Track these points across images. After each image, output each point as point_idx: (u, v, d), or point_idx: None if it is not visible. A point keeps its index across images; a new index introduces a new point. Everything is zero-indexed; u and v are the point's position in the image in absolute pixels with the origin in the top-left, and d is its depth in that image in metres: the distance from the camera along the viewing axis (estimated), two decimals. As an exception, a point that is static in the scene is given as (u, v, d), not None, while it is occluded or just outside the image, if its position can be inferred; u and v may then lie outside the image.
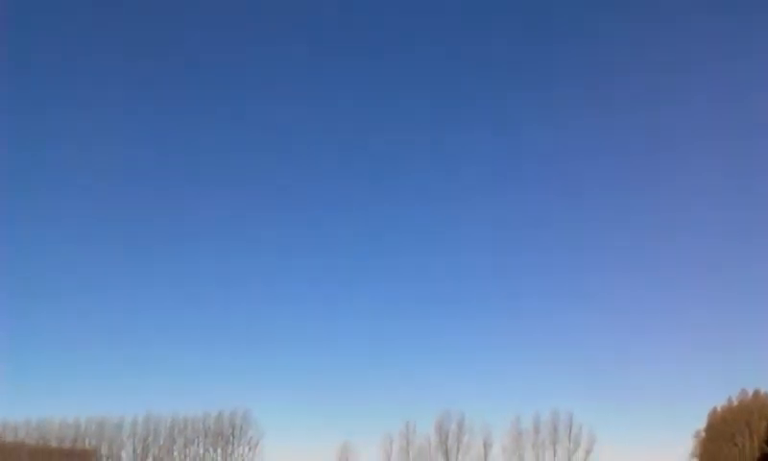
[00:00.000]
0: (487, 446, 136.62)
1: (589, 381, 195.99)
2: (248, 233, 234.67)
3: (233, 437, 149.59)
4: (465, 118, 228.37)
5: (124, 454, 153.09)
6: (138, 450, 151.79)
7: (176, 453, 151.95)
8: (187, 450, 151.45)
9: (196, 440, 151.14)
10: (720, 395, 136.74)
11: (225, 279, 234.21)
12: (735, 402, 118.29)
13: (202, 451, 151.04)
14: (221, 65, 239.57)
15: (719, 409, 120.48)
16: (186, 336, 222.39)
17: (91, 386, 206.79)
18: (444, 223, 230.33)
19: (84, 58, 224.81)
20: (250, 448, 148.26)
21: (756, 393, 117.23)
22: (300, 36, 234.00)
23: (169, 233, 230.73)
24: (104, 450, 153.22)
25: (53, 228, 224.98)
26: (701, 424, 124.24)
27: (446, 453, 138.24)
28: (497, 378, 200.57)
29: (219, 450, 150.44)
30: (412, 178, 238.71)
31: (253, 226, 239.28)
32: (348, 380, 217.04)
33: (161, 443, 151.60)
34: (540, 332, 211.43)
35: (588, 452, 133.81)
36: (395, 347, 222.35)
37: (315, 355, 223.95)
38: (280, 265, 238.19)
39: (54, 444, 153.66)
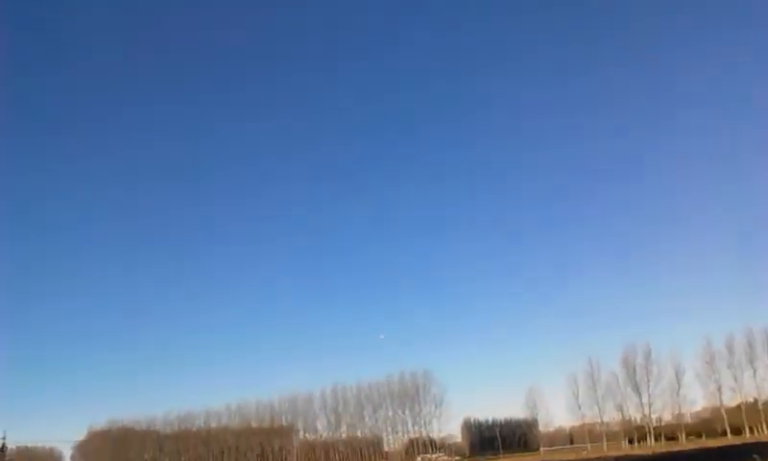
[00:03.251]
0: (678, 374, 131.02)
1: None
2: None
3: (418, 396, 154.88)
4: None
5: (319, 425, 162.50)
6: (332, 420, 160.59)
7: (366, 418, 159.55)
8: (377, 414, 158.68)
9: (383, 403, 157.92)
10: None
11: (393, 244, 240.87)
12: None
13: (391, 413, 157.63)
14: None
15: None
16: (362, 305, 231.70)
17: (282, 366, 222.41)
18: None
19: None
20: (436, 406, 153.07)
21: None
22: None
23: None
24: (300, 425, 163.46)
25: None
26: None
27: (636, 387, 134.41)
28: (682, 302, 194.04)
29: (407, 411, 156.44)
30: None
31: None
32: (528, 323, 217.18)
33: (351, 410, 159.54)
34: (725, 248, 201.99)
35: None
36: (573, 284, 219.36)
37: (490, 302, 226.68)
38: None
39: (254, 424, 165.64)
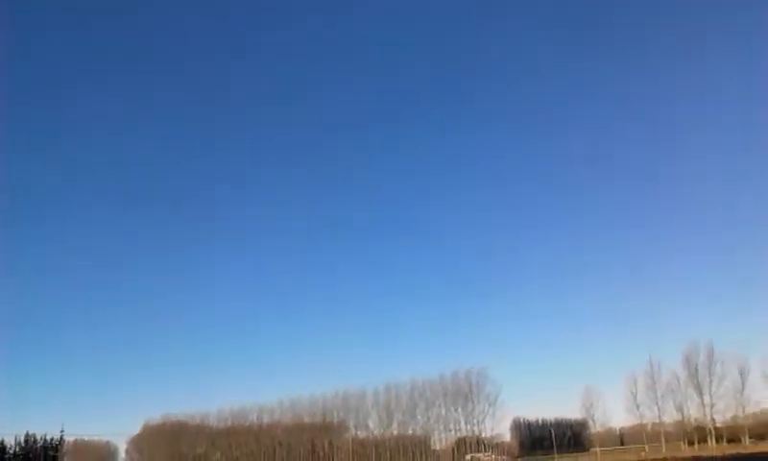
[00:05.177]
0: (743, 373, 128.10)
1: None
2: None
3: (471, 394, 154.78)
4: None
5: (370, 423, 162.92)
6: (383, 417, 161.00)
7: (419, 416, 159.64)
8: (429, 412, 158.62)
9: (436, 401, 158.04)
10: None
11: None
12: None
13: (444, 412, 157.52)
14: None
15: None
16: (414, 298, 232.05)
17: (333, 362, 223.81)
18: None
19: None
20: (489, 404, 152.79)
21: None
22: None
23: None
24: (351, 422, 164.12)
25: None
26: None
27: (698, 387, 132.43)
28: (746, 301, 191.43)
29: (459, 409, 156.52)
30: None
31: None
32: (586, 322, 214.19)
33: (404, 408, 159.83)
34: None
35: None
36: (629, 280, 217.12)
37: (545, 301, 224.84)
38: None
39: (306, 420, 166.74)
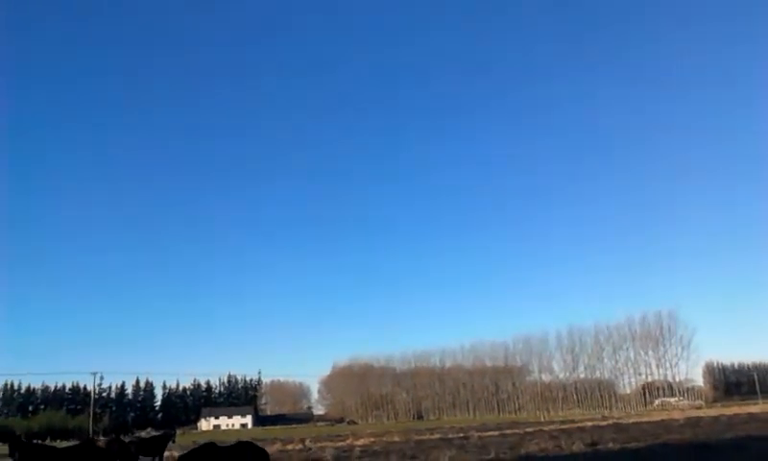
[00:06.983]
0: None
1: None
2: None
3: (662, 338, 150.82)
4: None
5: (555, 366, 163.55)
6: (568, 361, 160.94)
7: (606, 360, 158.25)
8: (617, 356, 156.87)
9: (624, 345, 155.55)
10: None
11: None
12: None
13: (632, 355, 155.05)
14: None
15: None
16: (595, 240, 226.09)
17: (518, 305, 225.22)
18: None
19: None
20: (683, 348, 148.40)
21: None
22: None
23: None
24: (534, 365, 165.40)
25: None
26: None
27: None
28: None
29: (650, 352, 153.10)
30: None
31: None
32: None
33: (590, 351, 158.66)
34: None
35: None
36: None
37: (737, 238, 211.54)
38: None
39: (488, 363, 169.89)
